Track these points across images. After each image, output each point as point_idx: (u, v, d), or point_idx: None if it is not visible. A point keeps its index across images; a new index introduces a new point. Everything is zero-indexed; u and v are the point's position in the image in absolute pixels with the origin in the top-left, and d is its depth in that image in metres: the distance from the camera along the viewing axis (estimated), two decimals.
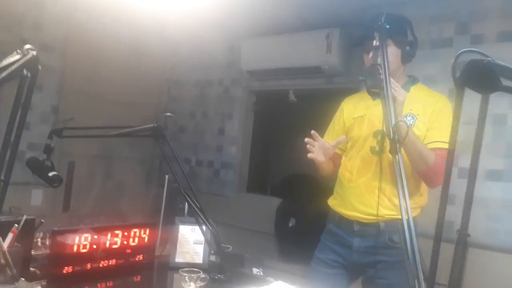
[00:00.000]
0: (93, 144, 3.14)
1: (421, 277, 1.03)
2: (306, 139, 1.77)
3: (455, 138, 0.84)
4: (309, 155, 1.76)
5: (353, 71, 2.85)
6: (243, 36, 3.20)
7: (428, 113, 1.73)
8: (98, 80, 3.17)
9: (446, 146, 1.71)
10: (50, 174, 1.90)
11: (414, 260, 1.08)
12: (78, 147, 2.90)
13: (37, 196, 2.82)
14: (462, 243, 0.77)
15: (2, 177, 1.16)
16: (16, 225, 1.29)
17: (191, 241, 1.80)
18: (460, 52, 0.82)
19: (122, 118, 3.28)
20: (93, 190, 3.25)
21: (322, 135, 2.00)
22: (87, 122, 2.59)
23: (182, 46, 3.71)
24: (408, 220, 1.14)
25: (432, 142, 1.71)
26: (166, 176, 2.01)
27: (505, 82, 0.79)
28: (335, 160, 1.96)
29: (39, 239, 1.66)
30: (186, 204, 2.14)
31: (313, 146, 1.77)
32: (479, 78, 0.80)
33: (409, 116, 1.72)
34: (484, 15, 2.30)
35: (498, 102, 2.15)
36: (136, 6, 2.88)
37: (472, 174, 0.82)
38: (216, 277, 1.62)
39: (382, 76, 1.37)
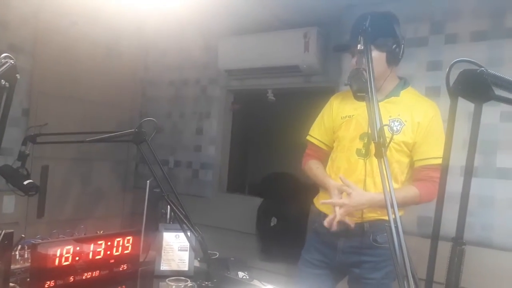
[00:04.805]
0: (67, 147, 3.03)
1: (411, 277, 1.04)
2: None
3: (450, 145, 0.85)
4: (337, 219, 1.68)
5: (331, 70, 2.87)
6: (220, 35, 3.16)
7: (416, 121, 1.72)
8: (71, 81, 3.07)
9: (440, 161, 1.73)
10: (25, 182, 1.82)
11: (403, 260, 1.08)
12: (51, 150, 2.79)
13: (9, 203, 2.71)
14: (459, 251, 0.78)
15: None
16: None
17: (175, 248, 1.76)
18: (454, 61, 0.82)
19: (96, 119, 3.21)
20: (68, 194, 3.15)
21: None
22: (60, 125, 2.50)
23: (157, 45, 3.63)
24: (395, 220, 1.13)
25: (426, 159, 1.72)
26: (148, 181, 1.96)
27: (498, 92, 0.80)
28: (321, 157, 1.95)
29: (17, 252, 1.58)
30: (169, 209, 2.10)
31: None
32: (472, 87, 0.80)
33: (397, 122, 1.72)
34: (458, 15, 2.35)
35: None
36: (109, 5, 2.79)
37: (467, 173, 0.83)
38: (203, 284, 1.60)
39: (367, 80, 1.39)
